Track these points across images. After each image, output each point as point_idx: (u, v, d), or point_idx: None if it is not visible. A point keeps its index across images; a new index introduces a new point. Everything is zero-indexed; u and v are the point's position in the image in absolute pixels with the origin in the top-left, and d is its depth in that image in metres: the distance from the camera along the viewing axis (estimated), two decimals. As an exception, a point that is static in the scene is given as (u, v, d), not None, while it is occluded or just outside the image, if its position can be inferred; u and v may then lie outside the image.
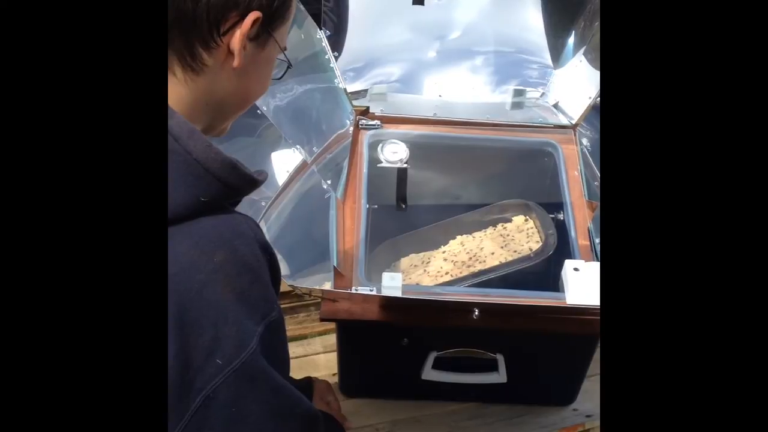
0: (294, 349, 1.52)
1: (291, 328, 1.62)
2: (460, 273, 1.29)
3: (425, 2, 1.45)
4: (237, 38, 0.68)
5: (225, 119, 0.77)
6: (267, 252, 0.70)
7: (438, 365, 1.20)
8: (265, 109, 1.24)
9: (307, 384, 1.14)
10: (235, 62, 0.70)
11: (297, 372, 1.38)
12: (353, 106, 1.40)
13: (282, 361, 0.72)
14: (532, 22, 1.53)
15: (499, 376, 1.22)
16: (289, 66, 0.79)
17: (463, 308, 1.11)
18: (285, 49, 0.76)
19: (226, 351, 0.63)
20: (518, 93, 1.51)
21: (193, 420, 0.63)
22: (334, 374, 1.38)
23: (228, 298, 0.64)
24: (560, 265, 1.14)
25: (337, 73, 1.39)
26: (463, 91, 1.50)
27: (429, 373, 1.21)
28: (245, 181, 0.69)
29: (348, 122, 1.38)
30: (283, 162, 1.28)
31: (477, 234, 1.40)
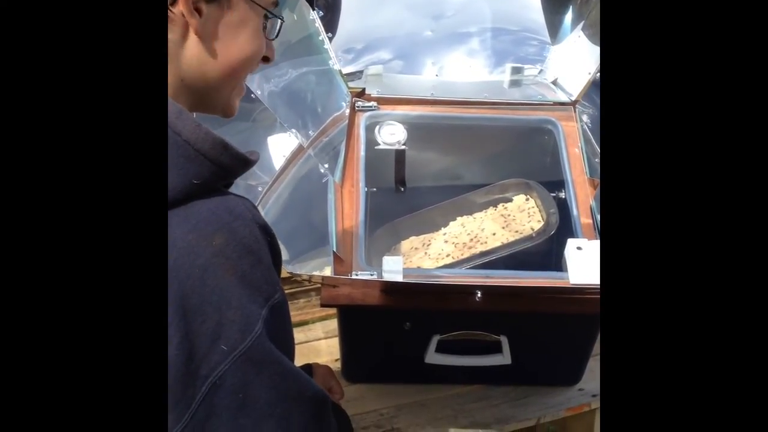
0: (295, 335, 1.50)
1: (291, 314, 1.60)
2: (462, 255, 1.28)
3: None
4: (181, 3, 0.66)
5: (216, 93, 0.74)
6: (267, 233, 0.69)
7: (441, 348, 1.19)
8: (259, 92, 1.21)
9: (307, 370, 1.13)
10: (192, 28, 0.67)
11: (299, 358, 1.37)
12: (349, 87, 1.38)
13: (287, 344, 0.71)
14: (529, -2, 1.51)
15: (504, 358, 1.21)
16: (282, 21, 0.75)
17: (465, 291, 1.09)
18: (275, 3, 0.73)
19: (230, 336, 0.62)
20: (516, 70, 1.48)
21: (201, 408, 0.62)
22: (336, 360, 1.37)
23: (230, 282, 0.63)
24: (562, 245, 1.13)
25: (332, 54, 1.37)
26: (460, 70, 1.48)
27: (432, 357, 1.20)
28: (238, 160, 0.67)
29: (344, 104, 1.36)
30: (279, 146, 1.26)
31: (478, 215, 1.39)
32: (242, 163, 0.68)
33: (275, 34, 0.75)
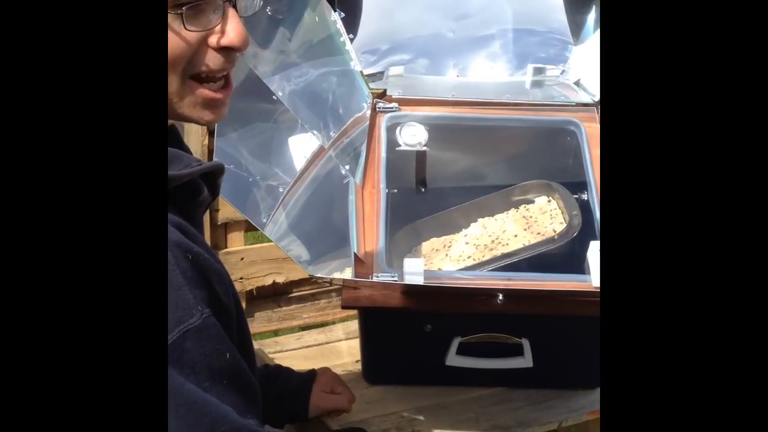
0: (316, 336, 1.52)
1: (312, 314, 1.62)
2: (483, 257, 1.27)
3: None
4: None
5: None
6: (185, 251, 0.65)
7: (462, 351, 1.19)
8: (280, 93, 1.22)
9: (309, 376, 1.12)
10: None
11: (320, 360, 1.38)
12: (370, 88, 1.38)
13: (214, 369, 0.67)
14: (551, -2, 1.50)
15: (525, 361, 1.20)
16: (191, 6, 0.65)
17: (486, 293, 1.09)
18: None
19: None
20: (538, 71, 1.47)
21: None
22: (357, 361, 1.37)
23: None
24: (585, 247, 1.12)
25: (353, 55, 1.37)
26: (481, 71, 1.47)
27: (453, 359, 1.19)
28: None
29: (365, 105, 1.36)
30: (301, 147, 1.26)
31: (499, 216, 1.38)
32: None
33: (194, 24, 0.66)
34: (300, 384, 1.13)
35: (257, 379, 0.79)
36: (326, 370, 1.13)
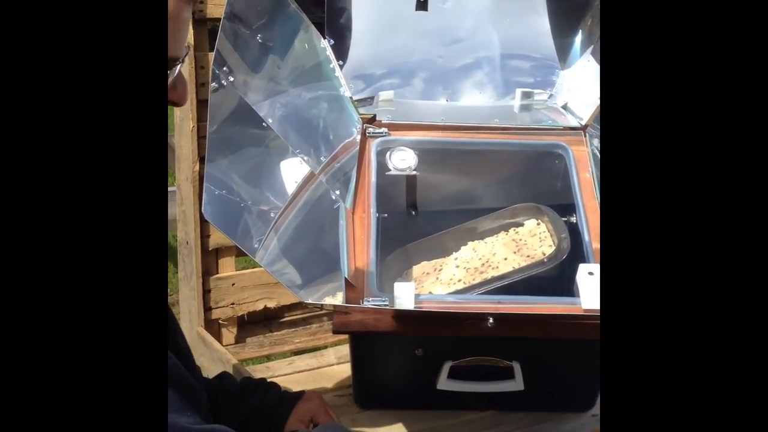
0: (307, 360, 1.51)
1: (304, 339, 1.62)
2: (473, 280, 1.28)
3: (429, 8, 1.44)
4: None
5: None
6: None
7: (454, 375, 1.19)
8: (270, 120, 1.23)
9: (292, 397, 1.10)
10: None
11: (311, 384, 1.38)
12: (360, 114, 1.39)
13: None
14: (538, 23, 1.52)
15: (516, 384, 1.20)
16: None
17: (477, 317, 1.09)
18: None
19: None
20: (526, 95, 1.49)
21: None
22: (348, 386, 1.36)
23: None
24: (574, 270, 1.13)
25: (342, 81, 1.38)
26: (470, 96, 1.48)
27: (445, 383, 1.19)
28: None
29: (355, 131, 1.37)
30: (292, 172, 1.27)
31: (489, 239, 1.39)
32: None
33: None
34: (278, 404, 1.09)
35: (201, 383, 0.84)
36: (312, 397, 1.11)
